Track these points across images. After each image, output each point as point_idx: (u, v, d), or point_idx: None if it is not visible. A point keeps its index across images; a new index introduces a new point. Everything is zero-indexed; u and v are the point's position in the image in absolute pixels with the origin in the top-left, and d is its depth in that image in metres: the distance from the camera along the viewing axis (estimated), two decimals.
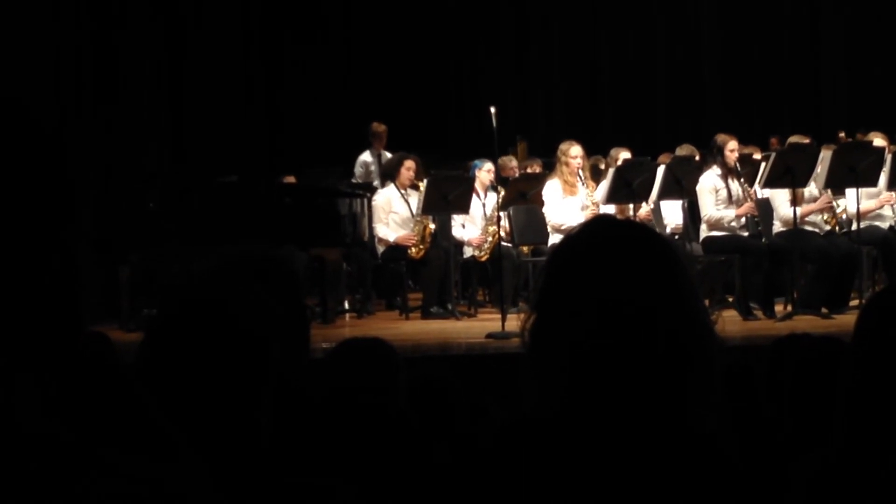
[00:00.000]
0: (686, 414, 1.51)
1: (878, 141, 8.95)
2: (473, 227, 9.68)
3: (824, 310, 8.10)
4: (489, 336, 7.31)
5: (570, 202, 8.91)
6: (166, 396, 1.74)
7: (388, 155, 10.93)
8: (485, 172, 9.68)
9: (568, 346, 1.51)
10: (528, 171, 10.46)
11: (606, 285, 1.51)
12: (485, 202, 9.68)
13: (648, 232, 1.62)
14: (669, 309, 1.51)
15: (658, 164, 8.97)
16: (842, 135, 11.25)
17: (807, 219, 8.52)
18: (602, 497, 1.48)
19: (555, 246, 1.56)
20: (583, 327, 1.50)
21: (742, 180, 8.60)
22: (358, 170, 11.55)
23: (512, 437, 1.55)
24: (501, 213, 8.80)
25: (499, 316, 7.72)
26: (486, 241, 9.49)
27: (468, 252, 9.62)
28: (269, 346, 1.78)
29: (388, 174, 9.86)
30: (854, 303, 8.31)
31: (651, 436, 1.49)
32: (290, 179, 10.66)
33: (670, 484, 1.48)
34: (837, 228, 8.83)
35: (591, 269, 1.53)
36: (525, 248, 9.63)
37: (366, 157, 11.62)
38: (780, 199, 8.51)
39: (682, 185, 8.65)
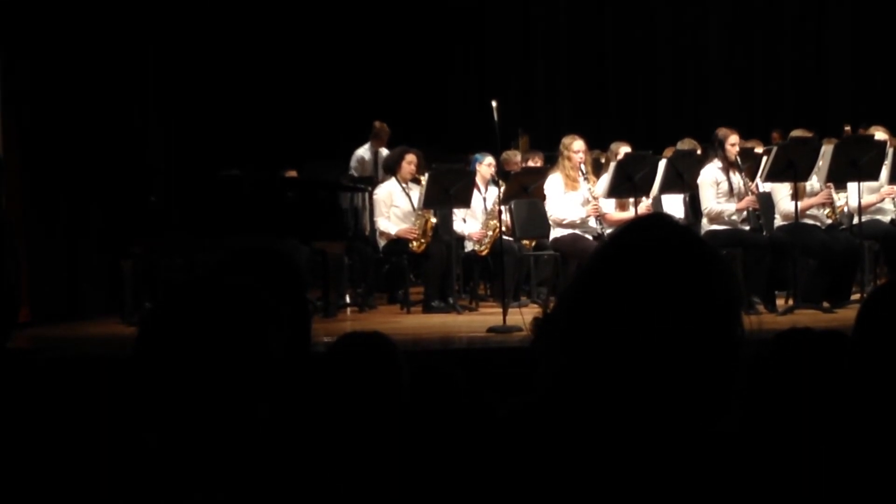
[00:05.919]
0: (704, 417, 1.50)
1: (880, 135, 8.95)
2: (474, 221, 9.68)
3: (826, 304, 8.10)
4: (490, 330, 7.30)
5: (571, 197, 8.89)
6: (163, 389, 1.74)
7: (386, 152, 10.92)
8: (485, 166, 9.67)
9: (594, 341, 1.50)
10: (530, 164, 10.45)
11: (645, 288, 1.50)
12: (486, 196, 9.68)
13: (695, 238, 1.60)
14: (704, 321, 1.50)
15: (659, 158, 8.96)
16: (847, 129, 11.23)
17: (808, 212, 8.52)
18: (606, 491, 1.48)
19: (603, 240, 1.54)
20: (616, 325, 1.49)
21: (743, 174, 8.60)
22: (353, 164, 11.54)
23: (519, 426, 1.54)
24: (502, 207, 8.79)
25: (500, 310, 7.71)
26: (486, 236, 9.50)
27: (469, 246, 9.62)
28: (267, 338, 1.78)
29: (390, 168, 9.86)
30: (855, 297, 8.31)
31: (666, 434, 1.49)
32: (292, 173, 10.66)
33: (681, 482, 1.48)
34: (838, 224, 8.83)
35: (633, 270, 1.52)
36: (526, 242, 9.64)
37: (362, 151, 11.61)
38: (782, 193, 8.50)
39: (683, 179, 8.65)
